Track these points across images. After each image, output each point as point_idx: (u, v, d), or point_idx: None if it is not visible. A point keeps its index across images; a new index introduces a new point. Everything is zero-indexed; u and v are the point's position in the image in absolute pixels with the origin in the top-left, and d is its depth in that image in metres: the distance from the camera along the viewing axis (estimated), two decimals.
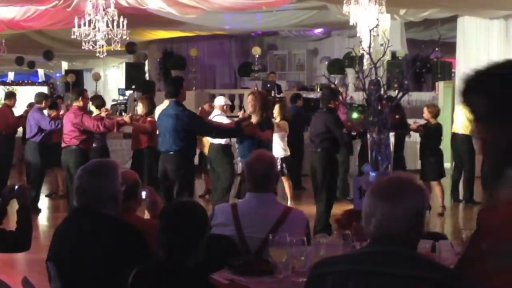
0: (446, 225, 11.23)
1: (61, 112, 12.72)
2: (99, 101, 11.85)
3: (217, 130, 8.95)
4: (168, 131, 8.55)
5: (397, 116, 10.41)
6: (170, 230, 3.51)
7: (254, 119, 8.66)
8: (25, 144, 12.87)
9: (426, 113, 11.59)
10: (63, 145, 10.74)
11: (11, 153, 13.69)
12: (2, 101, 23.60)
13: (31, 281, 4.00)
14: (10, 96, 14.49)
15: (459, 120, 12.76)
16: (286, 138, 12.05)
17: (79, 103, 10.68)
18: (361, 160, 11.90)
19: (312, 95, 19.53)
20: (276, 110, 12.08)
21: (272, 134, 8.71)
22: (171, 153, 8.54)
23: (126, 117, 10.87)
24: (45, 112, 12.77)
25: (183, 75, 23.90)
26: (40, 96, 12.81)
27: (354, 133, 10.16)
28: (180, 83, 9.01)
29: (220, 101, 11.51)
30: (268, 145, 8.85)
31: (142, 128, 10.74)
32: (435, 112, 11.65)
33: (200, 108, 13.43)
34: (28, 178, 12.75)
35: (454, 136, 13.00)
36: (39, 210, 12.35)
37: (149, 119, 10.75)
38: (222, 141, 10.48)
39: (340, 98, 4.72)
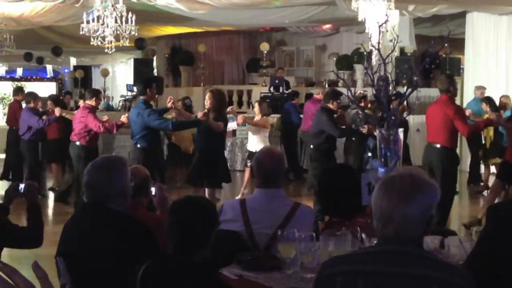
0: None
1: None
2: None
3: (174, 124, 9.55)
4: (133, 126, 9.47)
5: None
6: (180, 225, 3.51)
7: (211, 115, 9.33)
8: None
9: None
10: (71, 139, 10.97)
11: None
12: (11, 98, 23.74)
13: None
14: (18, 91, 14.59)
15: None
16: (267, 134, 12.65)
17: (92, 102, 10.85)
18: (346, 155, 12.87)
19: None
20: (256, 108, 13.04)
21: (222, 127, 9.42)
22: (138, 146, 9.41)
23: (123, 118, 10.92)
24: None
25: (191, 71, 23.96)
26: (29, 96, 13.05)
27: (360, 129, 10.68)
28: (149, 83, 9.76)
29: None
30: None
31: None
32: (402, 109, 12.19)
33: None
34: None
35: None
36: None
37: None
38: None
39: (349, 94, 4.72)
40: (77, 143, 10.76)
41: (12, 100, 15.44)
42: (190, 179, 9.62)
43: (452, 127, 8.95)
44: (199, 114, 9.53)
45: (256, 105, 13.06)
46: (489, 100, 13.47)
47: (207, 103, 9.45)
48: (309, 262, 3.66)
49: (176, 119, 10.05)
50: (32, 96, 13.14)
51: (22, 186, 4.72)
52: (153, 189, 4.80)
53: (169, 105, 10.01)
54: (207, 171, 9.25)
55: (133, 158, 9.38)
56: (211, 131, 9.19)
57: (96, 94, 11.16)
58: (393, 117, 4.42)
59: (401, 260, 2.70)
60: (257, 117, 12.67)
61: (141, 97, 9.57)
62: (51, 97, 14.14)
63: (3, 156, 16.02)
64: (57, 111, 12.46)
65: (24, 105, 14.64)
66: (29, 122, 12.46)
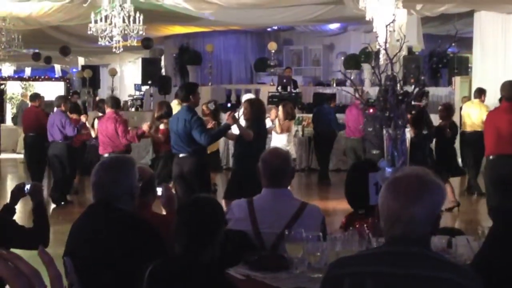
0: (459, 220, 11.24)
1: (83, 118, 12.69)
2: (114, 101, 11.66)
3: (209, 141, 9.05)
4: (180, 134, 8.82)
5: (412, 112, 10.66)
6: (187, 225, 3.52)
7: (247, 125, 9.05)
8: (49, 145, 12.61)
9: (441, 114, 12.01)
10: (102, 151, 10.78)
11: (45, 154, 13.10)
12: (20, 97, 23.68)
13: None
14: (35, 98, 14.09)
15: (471, 118, 13.15)
16: (291, 138, 12.41)
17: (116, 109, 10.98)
18: None
19: (328, 91, 19.54)
20: (280, 112, 12.50)
21: (251, 136, 8.91)
22: (185, 155, 8.79)
23: (144, 126, 10.84)
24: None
25: (199, 71, 23.98)
26: (59, 99, 12.67)
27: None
28: (192, 89, 9.20)
29: (247, 97, 12.06)
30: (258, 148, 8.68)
31: (156, 139, 11.71)
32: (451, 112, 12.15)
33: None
34: (54, 178, 12.72)
35: (463, 133, 13.48)
36: (69, 202, 12.68)
37: (162, 127, 11.28)
38: None
39: (357, 95, 4.72)
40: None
41: (29, 106, 15.02)
42: (228, 194, 8.91)
43: None
44: (227, 116, 9.20)
45: (280, 108, 12.53)
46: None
47: (244, 113, 9.11)
48: (316, 262, 3.66)
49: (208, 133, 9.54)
50: (63, 99, 12.83)
51: (27, 186, 4.70)
52: (159, 190, 4.81)
53: (209, 126, 10.10)
54: (246, 185, 8.01)
55: (194, 169, 8.73)
56: (247, 144, 8.85)
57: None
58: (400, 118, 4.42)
59: (409, 261, 2.70)
60: (280, 121, 12.35)
61: (184, 104, 9.08)
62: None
63: (12, 156, 15.96)
64: (84, 118, 12.49)
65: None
66: (65, 131, 12.10)
